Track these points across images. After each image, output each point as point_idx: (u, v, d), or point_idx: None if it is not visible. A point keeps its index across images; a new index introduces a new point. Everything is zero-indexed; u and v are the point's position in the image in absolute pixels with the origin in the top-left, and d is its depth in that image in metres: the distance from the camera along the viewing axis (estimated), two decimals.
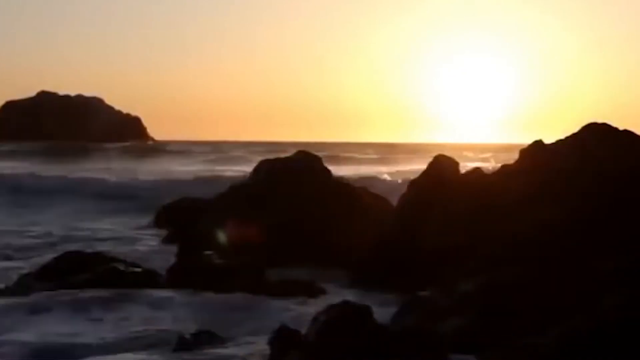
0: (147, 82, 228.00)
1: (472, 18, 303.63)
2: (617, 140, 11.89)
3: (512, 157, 13.52)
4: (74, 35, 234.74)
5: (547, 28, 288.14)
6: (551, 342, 7.81)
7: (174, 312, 11.27)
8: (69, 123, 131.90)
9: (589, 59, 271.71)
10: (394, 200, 15.73)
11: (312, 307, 10.24)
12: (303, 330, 8.86)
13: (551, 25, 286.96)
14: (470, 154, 61.48)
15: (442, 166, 14.32)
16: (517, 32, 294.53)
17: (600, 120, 12.36)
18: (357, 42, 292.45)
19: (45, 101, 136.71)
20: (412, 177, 15.04)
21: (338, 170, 24.85)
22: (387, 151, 65.32)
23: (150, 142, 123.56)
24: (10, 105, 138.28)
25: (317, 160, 18.10)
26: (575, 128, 12.48)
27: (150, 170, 47.53)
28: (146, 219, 22.92)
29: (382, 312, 9.32)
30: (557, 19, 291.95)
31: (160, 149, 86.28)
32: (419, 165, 20.44)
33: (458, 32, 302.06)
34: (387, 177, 33.89)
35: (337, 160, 51.04)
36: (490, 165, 33.46)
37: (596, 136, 12.03)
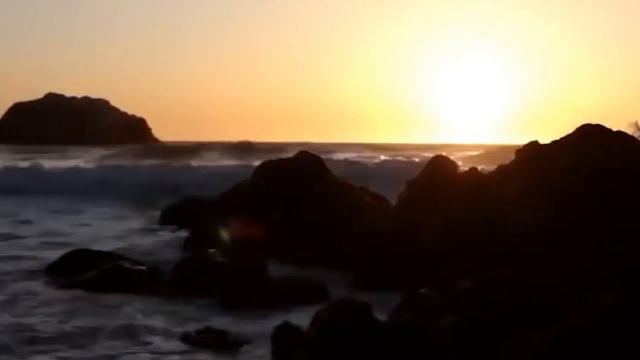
0: (152, 84, 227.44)
1: (471, 21, 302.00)
2: (610, 140, 11.93)
3: (509, 158, 13.61)
4: (80, 38, 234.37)
5: (544, 31, 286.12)
6: (550, 340, 7.82)
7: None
8: (76, 125, 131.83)
9: (584, 63, 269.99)
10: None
11: (313, 305, 10.34)
12: (304, 328, 9.05)
13: (548, 28, 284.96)
14: (468, 154, 60.73)
15: (440, 166, 14.48)
16: (515, 36, 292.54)
17: (594, 122, 12.44)
18: (359, 44, 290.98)
19: (53, 103, 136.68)
20: None
21: None
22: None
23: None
24: (18, 107, 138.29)
25: (319, 160, 18.26)
26: (570, 129, 12.53)
27: None
28: None
29: (382, 310, 9.38)
30: (554, 22, 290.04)
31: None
32: None
33: (457, 35, 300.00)
34: None
35: None
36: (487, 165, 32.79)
37: (590, 137, 12.07)
